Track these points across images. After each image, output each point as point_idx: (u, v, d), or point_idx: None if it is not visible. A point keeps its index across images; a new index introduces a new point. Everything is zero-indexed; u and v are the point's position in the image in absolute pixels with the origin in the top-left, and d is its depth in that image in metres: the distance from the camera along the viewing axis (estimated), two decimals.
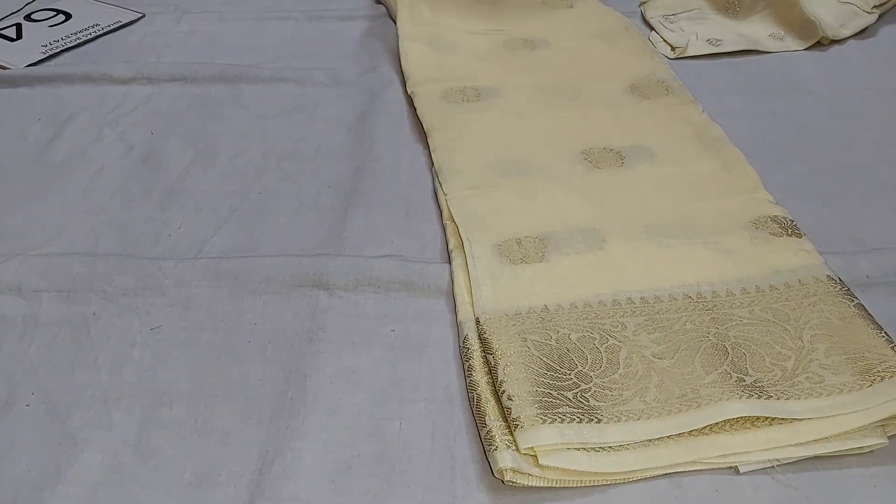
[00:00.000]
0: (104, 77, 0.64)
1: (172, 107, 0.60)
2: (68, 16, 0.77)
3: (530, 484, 0.32)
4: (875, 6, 0.68)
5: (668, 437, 0.33)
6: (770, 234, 0.44)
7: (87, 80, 0.64)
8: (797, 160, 0.53)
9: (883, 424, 0.34)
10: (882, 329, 0.37)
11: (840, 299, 0.39)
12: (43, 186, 0.52)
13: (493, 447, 0.32)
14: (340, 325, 0.41)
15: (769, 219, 0.45)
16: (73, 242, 0.47)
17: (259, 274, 0.43)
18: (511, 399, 0.34)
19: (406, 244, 0.46)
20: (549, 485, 0.32)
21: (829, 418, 0.34)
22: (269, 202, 0.50)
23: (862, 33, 0.68)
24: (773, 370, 0.36)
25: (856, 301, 0.39)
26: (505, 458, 0.32)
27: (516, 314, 0.39)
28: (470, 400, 0.36)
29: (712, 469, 0.33)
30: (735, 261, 0.42)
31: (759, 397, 0.34)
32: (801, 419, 0.34)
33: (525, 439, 0.32)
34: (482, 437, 0.34)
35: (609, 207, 0.47)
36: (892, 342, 0.36)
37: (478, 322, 0.39)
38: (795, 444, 0.33)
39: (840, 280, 0.41)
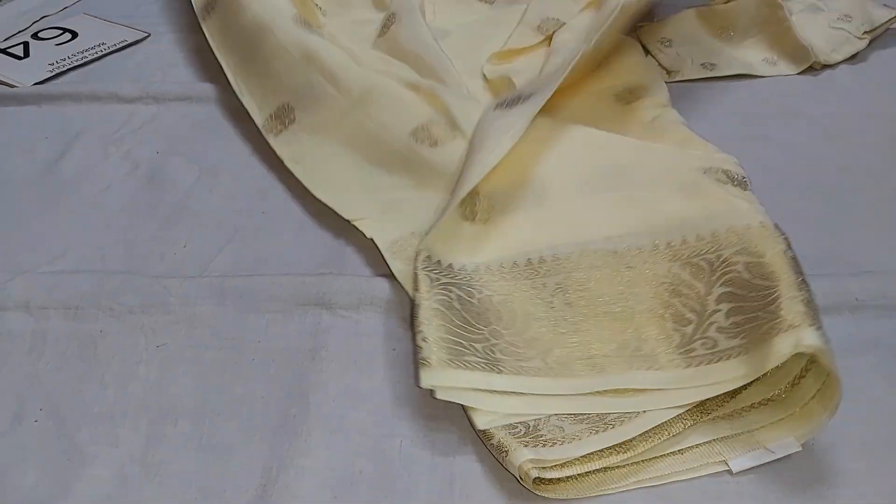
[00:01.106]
0: (111, 96, 0.65)
1: (178, 126, 0.62)
2: (74, 34, 0.78)
3: (549, 476, 0.33)
4: (865, 32, 0.69)
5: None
6: (716, 180, 0.45)
7: (93, 99, 0.65)
8: (789, 184, 0.54)
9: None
10: (802, 285, 0.36)
11: (770, 243, 0.39)
12: (50, 204, 0.53)
13: (505, 451, 0.33)
14: (342, 344, 0.41)
15: (721, 170, 0.46)
16: (80, 260, 0.48)
17: (263, 293, 0.44)
18: (424, 341, 0.37)
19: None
20: (565, 473, 0.33)
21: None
22: (273, 221, 0.51)
23: (853, 58, 0.69)
24: (672, 336, 0.38)
25: (790, 253, 0.38)
26: (523, 453, 0.33)
27: (448, 266, 0.42)
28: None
29: (705, 476, 0.34)
30: (669, 208, 0.43)
31: (649, 368, 0.37)
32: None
33: (428, 378, 0.35)
34: (493, 444, 0.35)
35: (554, 162, 0.48)
36: (803, 302, 0.35)
37: (415, 269, 0.41)
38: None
39: (776, 226, 0.40)
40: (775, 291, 0.36)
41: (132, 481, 0.35)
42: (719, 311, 0.38)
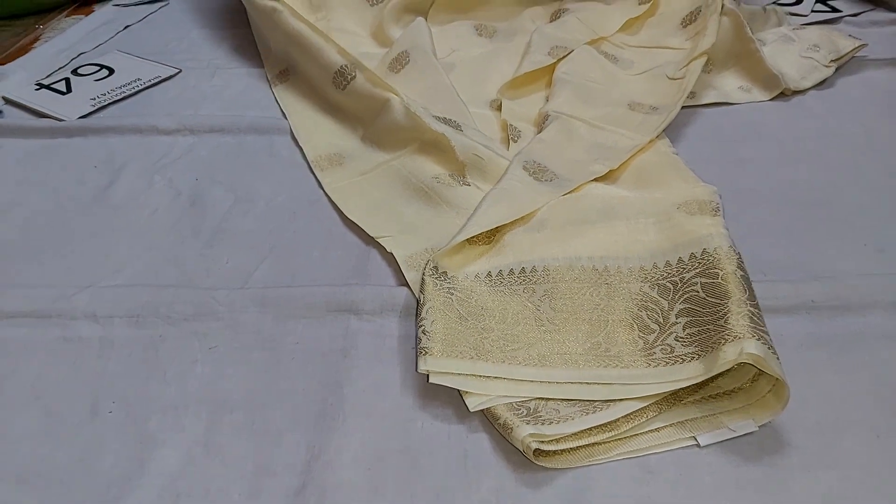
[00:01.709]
0: (150, 128, 0.72)
1: (213, 155, 0.69)
2: (111, 71, 0.85)
3: (549, 448, 0.39)
4: (832, 60, 0.76)
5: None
6: (687, 213, 0.52)
7: (135, 132, 0.72)
8: (761, 201, 0.61)
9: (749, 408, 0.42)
10: (749, 301, 0.43)
11: (724, 264, 0.46)
12: (104, 227, 0.60)
13: (510, 428, 0.40)
14: (369, 345, 0.48)
15: (696, 202, 0.53)
16: (136, 275, 0.55)
17: (298, 301, 0.51)
18: (424, 334, 0.44)
19: None
20: (560, 447, 0.40)
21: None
22: (303, 240, 0.58)
23: (821, 84, 0.76)
24: (637, 342, 0.45)
25: (740, 273, 0.45)
26: (525, 429, 0.40)
27: (453, 276, 0.49)
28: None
29: (677, 449, 0.41)
30: (645, 239, 0.51)
31: (615, 367, 0.44)
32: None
33: (425, 364, 0.43)
34: (499, 423, 0.41)
35: (556, 204, 0.55)
36: (748, 316, 0.42)
37: (423, 275, 0.49)
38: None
39: (731, 247, 0.47)
40: (725, 307, 0.43)
41: (197, 461, 0.42)
42: (678, 323, 0.45)
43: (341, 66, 0.71)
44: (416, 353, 0.44)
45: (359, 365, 0.47)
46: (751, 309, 0.42)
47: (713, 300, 0.44)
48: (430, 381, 0.43)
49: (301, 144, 0.69)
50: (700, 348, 0.42)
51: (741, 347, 0.40)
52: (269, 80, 0.80)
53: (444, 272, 0.49)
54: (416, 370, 0.44)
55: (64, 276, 0.55)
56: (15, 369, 0.47)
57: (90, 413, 0.45)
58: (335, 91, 0.72)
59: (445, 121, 0.64)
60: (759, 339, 0.40)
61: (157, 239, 0.59)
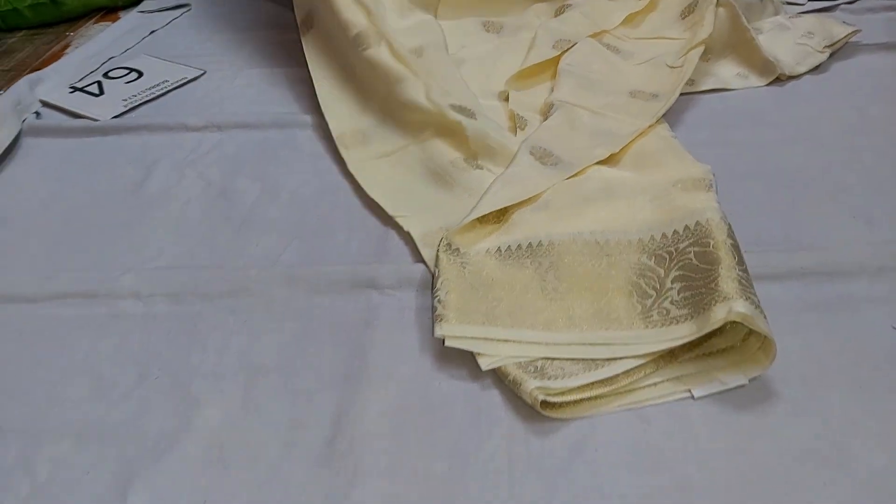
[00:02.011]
0: (180, 126, 0.77)
1: (239, 150, 0.73)
2: (140, 73, 0.90)
3: (554, 400, 0.44)
4: (826, 46, 0.80)
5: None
6: (682, 190, 0.56)
7: (166, 129, 0.77)
8: (754, 180, 0.64)
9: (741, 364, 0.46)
10: (738, 266, 0.47)
11: (716, 234, 0.50)
12: (142, 217, 0.65)
13: (519, 384, 0.44)
14: (390, 315, 0.52)
15: (690, 180, 0.57)
16: (174, 258, 0.59)
17: (324, 278, 0.55)
18: (439, 302, 0.49)
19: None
20: (565, 399, 0.44)
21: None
22: (327, 224, 0.62)
23: (816, 69, 0.79)
24: (636, 306, 0.49)
25: (730, 241, 0.49)
26: (533, 383, 0.44)
27: (465, 252, 0.53)
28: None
29: (673, 401, 0.45)
30: (642, 216, 0.55)
31: (616, 329, 0.48)
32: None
33: (440, 329, 0.47)
34: (509, 379, 0.45)
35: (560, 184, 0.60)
36: (737, 280, 0.45)
37: (437, 251, 0.53)
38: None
39: (722, 219, 0.51)
40: (716, 272, 0.47)
41: (237, 418, 0.46)
42: (673, 288, 0.49)
43: (359, 32, 0.75)
44: (433, 320, 0.49)
45: (381, 333, 0.51)
46: (739, 273, 0.46)
47: (705, 266, 0.48)
48: (446, 344, 0.47)
49: (326, 118, 0.73)
50: (693, 310, 0.46)
51: (730, 307, 0.44)
52: (298, 27, 0.83)
53: (457, 248, 0.53)
54: (433, 335, 0.48)
55: (108, 260, 0.60)
56: (68, 343, 0.52)
57: (138, 379, 0.49)
58: (354, 51, 0.75)
59: (459, 109, 0.68)
60: (746, 300, 0.44)
61: (191, 226, 0.63)
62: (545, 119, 0.70)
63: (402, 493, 0.41)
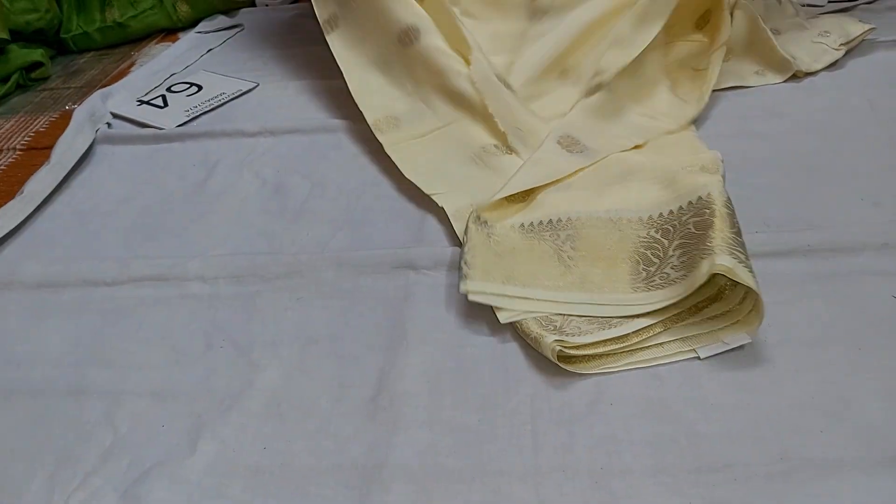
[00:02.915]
0: (237, 132, 0.84)
1: (290, 152, 0.80)
2: (200, 87, 0.99)
3: (571, 353, 0.49)
4: (842, 44, 0.83)
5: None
6: (690, 171, 0.61)
7: (224, 136, 0.84)
8: (769, 167, 0.69)
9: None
10: (730, 229, 0.51)
11: (714, 206, 0.54)
12: (206, 211, 0.72)
13: (539, 339, 0.50)
14: (426, 292, 0.58)
15: (699, 166, 0.62)
16: (235, 246, 0.66)
17: (368, 261, 0.61)
18: (466, 264, 0.55)
19: None
20: (581, 353, 0.49)
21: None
22: (369, 215, 0.69)
23: (832, 66, 0.83)
24: (641, 273, 0.53)
25: (726, 211, 0.54)
26: (551, 337, 0.49)
27: (491, 225, 0.59)
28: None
29: (681, 361, 0.49)
30: (652, 195, 0.60)
31: (623, 291, 0.52)
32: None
33: (465, 286, 0.53)
34: (531, 338, 0.51)
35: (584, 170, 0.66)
36: (726, 240, 0.50)
37: (468, 222, 0.59)
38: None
39: (721, 193, 0.56)
40: (710, 236, 0.52)
41: (293, 379, 0.52)
42: (674, 255, 0.54)
43: (409, 26, 0.80)
44: (459, 279, 0.54)
45: (418, 307, 0.57)
46: (729, 235, 0.51)
47: (701, 232, 0.53)
48: (469, 299, 0.53)
49: (360, 108, 0.80)
50: (687, 270, 0.51)
51: (713, 261, 0.48)
52: (320, 26, 0.88)
53: (485, 221, 0.60)
54: (459, 291, 0.54)
55: (177, 249, 0.67)
56: (144, 319, 0.59)
57: (205, 348, 0.56)
58: (398, 46, 0.81)
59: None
60: (730, 255, 0.48)
61: (249, 219, 0.70)
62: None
63: (437, 442, 0.47)
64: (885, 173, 0.66)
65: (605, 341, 0.49)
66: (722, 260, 0.48)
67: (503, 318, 0.52)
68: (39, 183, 0.76)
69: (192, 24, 1.26)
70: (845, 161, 0.69)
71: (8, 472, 0.47)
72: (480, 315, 0.55)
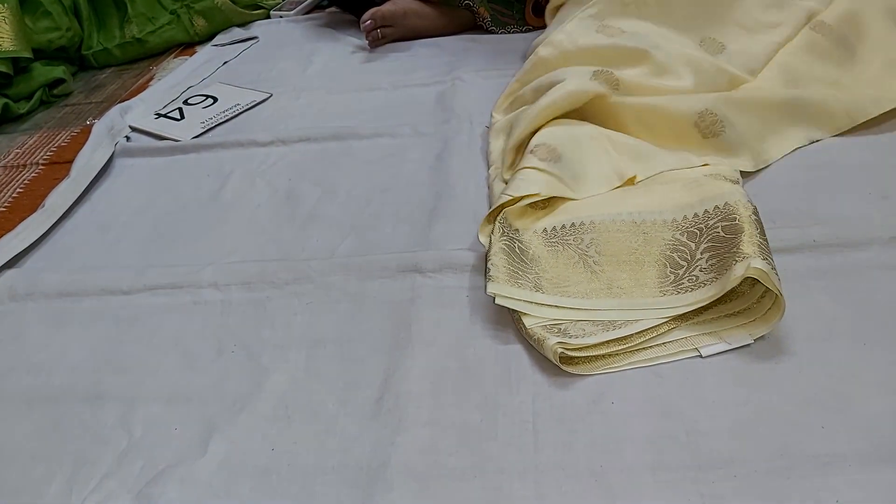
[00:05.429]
0: (250, 142, 0.86)
1: (302, 160, 0.82)
2: (215, 99, 1.01)
3: (573, 355, 0.49)
4: None
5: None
6: (713, 178, 0.61)
7: (238, 145, 0.86)
8: (777, 166, 0.69)
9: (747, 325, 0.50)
10: (759, 235, 0.52)
11: (741, 212, 0.55)
12: (219, 219, 0.74)
13: (542, 341, 0.50)
14: (431, 294, 0.59)
15: (721, 175, 0.63)
16: (247, 253, 0.68)
17: (375, 265, 0.62)
18: (493, 266, 0.55)
19: (473, 242, 0.64)
20: (583, 354, 0.49)
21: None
22: (377, 220, 0.70)
23: None
24: (669, 276, 0.53)
25: (754, 217, 0.54)
26: (554, 339, 0.49)
27: (517, 230, 0.59)
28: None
29: (683, 360, 0.50)
30: (676, 197, 0.60)
31: (651, 296, 0.53)
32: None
33: (492, 288, 0.53)
34: (534, 339, 0.51)
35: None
36: (757, 245, 0.50)
37: (491, 231, 0.60)
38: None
39: (748, 200, 0.56)
40: (740, 240, 0.52)
41: (300, 381, 0.53)
42: (702, 258, 0.54)
43: None
44: (485, 279, 0.55)
45: (423, 309, 0.58)
46: (760, 240, 0.51)
47: (730, 237, 0.53)
48: (496, 302, 0.53)
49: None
50: (718, 272, 0.51)
51: (749, 264, 0.49)
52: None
53: (510, 224, 0.60)
54: (485, 292, 0.54)
55: (191, 257, 0.68)
56: (159, 326, 0.61)
57: (217, 353, 0.57)
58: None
59: None
60: (763, 259, 0.49)
61: (261, 226, 0.72)
62: None
63: (440, 441, 0.47)
64: (893, 167, 0.66)
65: (608, 342, 0.50)
66: (757, 263, 0.48)
67: (529, 323, 0.52)
68: (60, 196, 0.79)
69: (209, 37, 1.29)
70: (853, 157, 0.68)
71: (29, 474, 0.49)
72: (484, 317, 0.56)
